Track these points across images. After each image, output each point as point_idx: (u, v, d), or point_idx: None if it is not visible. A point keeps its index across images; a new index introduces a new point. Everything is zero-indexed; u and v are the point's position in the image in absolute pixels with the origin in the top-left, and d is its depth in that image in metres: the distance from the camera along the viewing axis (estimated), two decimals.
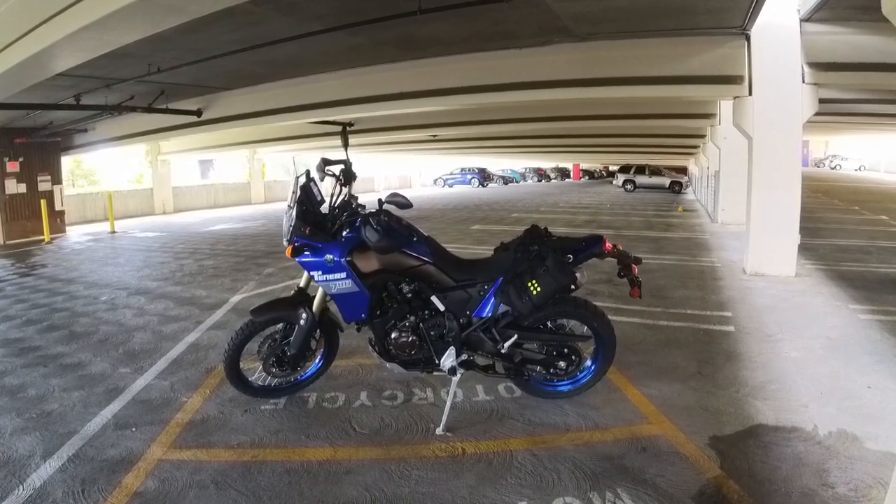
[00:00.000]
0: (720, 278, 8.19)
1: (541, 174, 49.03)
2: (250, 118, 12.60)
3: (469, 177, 40.92)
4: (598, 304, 4.18)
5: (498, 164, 45.59)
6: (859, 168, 44.13)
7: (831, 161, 47.13)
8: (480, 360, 4.00)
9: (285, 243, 3.81)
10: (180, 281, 8.71)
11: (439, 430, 3.65)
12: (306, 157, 28.63)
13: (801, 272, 8.23)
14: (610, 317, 4.09)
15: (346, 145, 4.17)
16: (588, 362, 4.07)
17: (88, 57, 6.20)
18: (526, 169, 49.10)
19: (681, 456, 3.30)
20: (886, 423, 3.61)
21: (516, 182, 45.72)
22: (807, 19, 7.55)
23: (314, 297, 3.99)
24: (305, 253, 3.76)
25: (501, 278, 3.76)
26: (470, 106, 11.36)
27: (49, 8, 5.16)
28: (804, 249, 8.97)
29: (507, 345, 3.82)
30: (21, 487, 3.09)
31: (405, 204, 3.66)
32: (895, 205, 18.80)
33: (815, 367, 4.66)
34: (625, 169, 33.49)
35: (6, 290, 8.48)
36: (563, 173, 52.18)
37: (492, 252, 4.00)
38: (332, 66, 10.27)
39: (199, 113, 13.11)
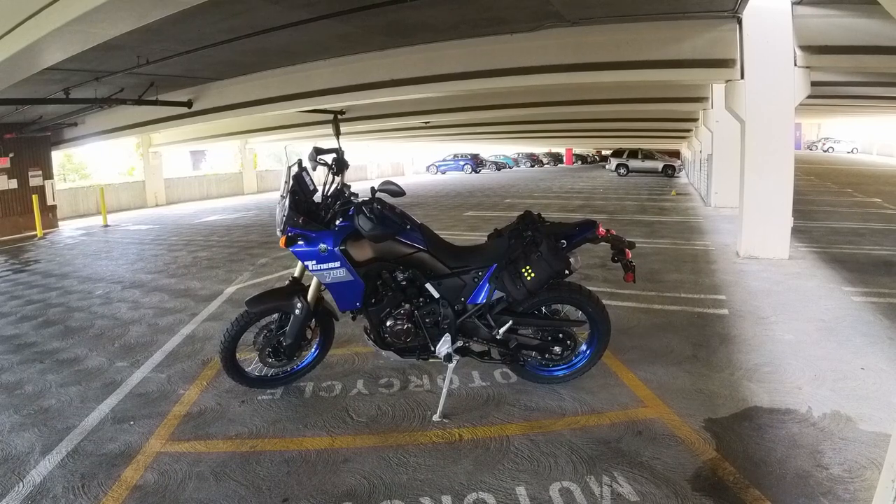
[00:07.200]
0: (714, 261, 8.22)
1: (533, 159, 48.94)
2: (241, 108, 12.53)
3: (462, 163, 40.79)
4: (592, 288, 4.19)
5: (490, 149, 45.44)
6: (852, 150, 44.15)
7: (824, 144, 47.14)
8: (476, 347, 4.01)
9: (279, 233, 3.80)
10: (174, 273, 8.69)
11: (436, 417, 3.67)
12: (298, 146, 28.52)
13: (795, 255, 8.27)
14: (604, 301, 4.10)
15: (337, 134, 4.15)
16: (583, 347, 4.09)
17: (77, 50, 6.13)
18: (519, 154, 48.99)
19: (676, 439, 3.32)
20: (880, 405, 3.64)
21: (509, 168, 45.59)
22: (798, 2, 7.53)
23: (309, 286, 3.99)
24: (299, 243, 3.76)
25: (496, 265, 3.77)
26: (462, 92, 11.35)
27: (35, 2, 5.09)
28: (797, 232, 9.01)
29: (502, 331, 3.83)
30: (21, 484, 3.09)
31: (398, 192, 3.66)
32: (888, 187, 18.85)
33: (809, 349, 4.69)
34: (618, 153, 33.43)
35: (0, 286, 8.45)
36: (556, 158, 52.10)
37: (486, 238, 4.01)
38: (322, 54, 10.21)
39: (189, 104, 13.03)
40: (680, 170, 30.86)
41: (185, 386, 4.36)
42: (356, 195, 3.87)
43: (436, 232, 4.02)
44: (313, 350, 4.31)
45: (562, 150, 52.86)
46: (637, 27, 8.09)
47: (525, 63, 8.89)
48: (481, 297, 3.83)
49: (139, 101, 12.01)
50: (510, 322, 3.84)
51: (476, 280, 3.84)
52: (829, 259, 8.03)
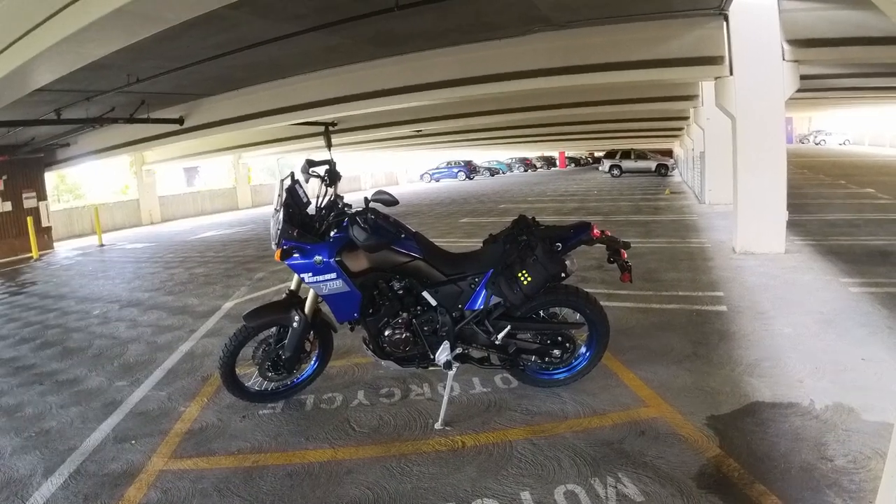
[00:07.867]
0: (710, 258, 8.23)
1: (527, 164, 49.02)
2: (233, 123, 12.54)
3: (455, 170, 40.88)
4: (589, 290, 4.19)
5: (484, 155, 45.53)
6: (843, 142, 44.29)
7: (815, 136, 47.30)
8: (475, 353, 4.00)
9: (274, 247, 3.80)
10: (171, 290, 8.66)
11: (438, 425, 3.66)
12: (292, 158, 28.52)
13: (791, 249, 8.28)
14: (602, 302, 4.11)
15: (329, 145, 4.16)
16: (582, 349, 4.09)
17: (67, 71, 6.15)
18: (512, 159, 49.05)
19: (679, 437, 3.32)
20: (882, 394, 3.64)
21: (503, 173, 45.71)
22: None
23: (306, 299, 3.99)
24: (295, 255, 3.75)
25: (492, 270, 3.77)
26: (453, 99, 11.34)
27: (24, 24, 5.11)
28: (792, 226, 9.02)
29: (500, 336, 3.82)
30: None
31: (391, 201, 3.66)
32: (881, 177, 18.91)
33: (808, 342, 4.69)
34: (610, 154, 33.55)
35: None
36: (549, 162, 52.20)
37: (481, 245, 4.01)
38: (312, 66, 10.23)
39: (181, 121, 13.03)
40: (673, 168, 30.95)
41: (186, 403, 4.34)
42: (350, 206, 3.87)
43: (431, 240, 4.03)
44: (313, 362, 4.30)
45: (555, 154, 52.97)
46: (624, 28, 8.12)
47: (515, 68, 8.93)
48: (478, 302, 3.83)
49: (131, 120, 12.02)
50: (508, 327, 3.84)
51: (473, 286, 3.84)
52: (826, 251, 8.05)
